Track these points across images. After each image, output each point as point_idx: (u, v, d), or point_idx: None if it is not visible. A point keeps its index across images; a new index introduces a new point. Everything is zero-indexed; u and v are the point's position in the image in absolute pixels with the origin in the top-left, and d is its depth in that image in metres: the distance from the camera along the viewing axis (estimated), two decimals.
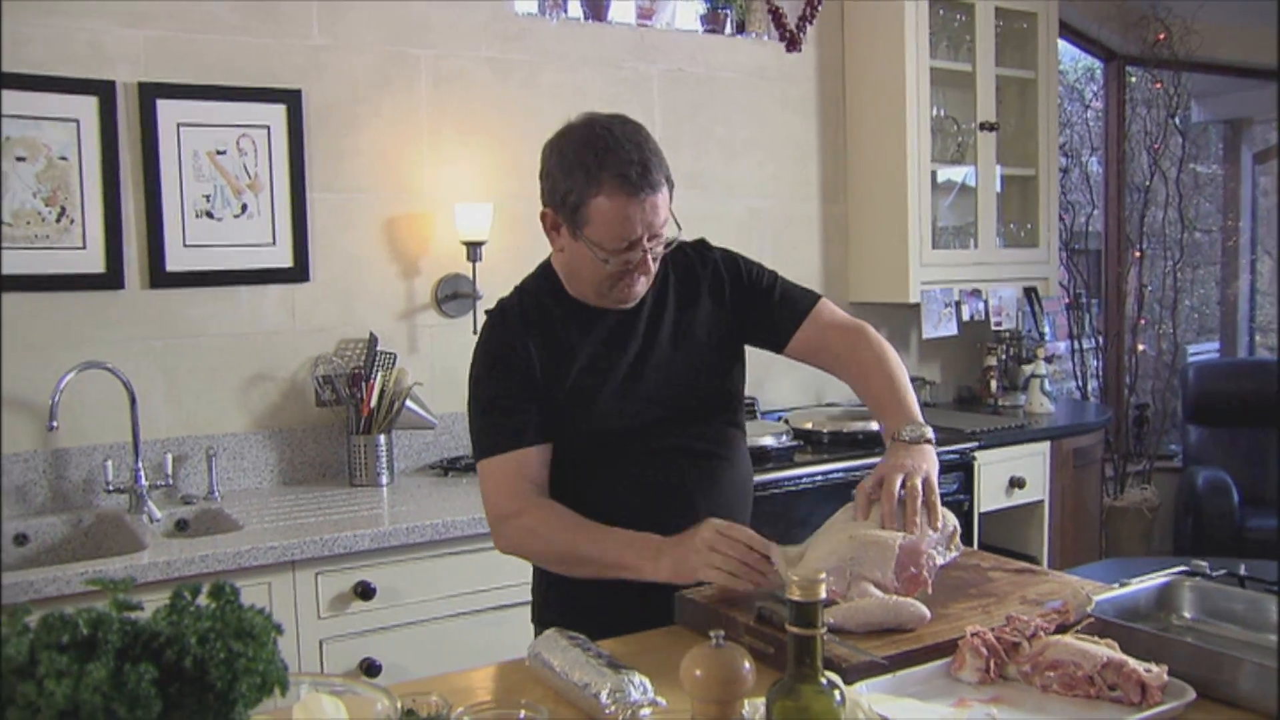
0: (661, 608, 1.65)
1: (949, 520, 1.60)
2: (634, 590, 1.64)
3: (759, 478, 2.63)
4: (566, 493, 1.74)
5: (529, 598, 1.92)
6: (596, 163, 1.60)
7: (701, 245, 1.89)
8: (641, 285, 1.72)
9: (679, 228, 1.72)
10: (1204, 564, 1.57)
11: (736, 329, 1.85)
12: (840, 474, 3.08)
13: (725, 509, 1.74)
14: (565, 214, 1.66)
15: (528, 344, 1.73)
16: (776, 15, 2.84)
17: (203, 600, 0.93)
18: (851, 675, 1.29)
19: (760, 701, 1.09)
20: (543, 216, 1.72)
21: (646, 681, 1.27)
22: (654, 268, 1.71)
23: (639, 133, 1.66)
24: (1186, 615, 1.51)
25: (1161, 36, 4.70)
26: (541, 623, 1.84)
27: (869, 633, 1.45)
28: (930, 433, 1.69)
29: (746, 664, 1.11)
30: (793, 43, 2.91)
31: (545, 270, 1.83)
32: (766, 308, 1.85)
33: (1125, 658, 1.26)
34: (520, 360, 1.72)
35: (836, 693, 1.02)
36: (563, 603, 1.80)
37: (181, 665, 0.86)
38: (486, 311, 1.82)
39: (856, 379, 1.84)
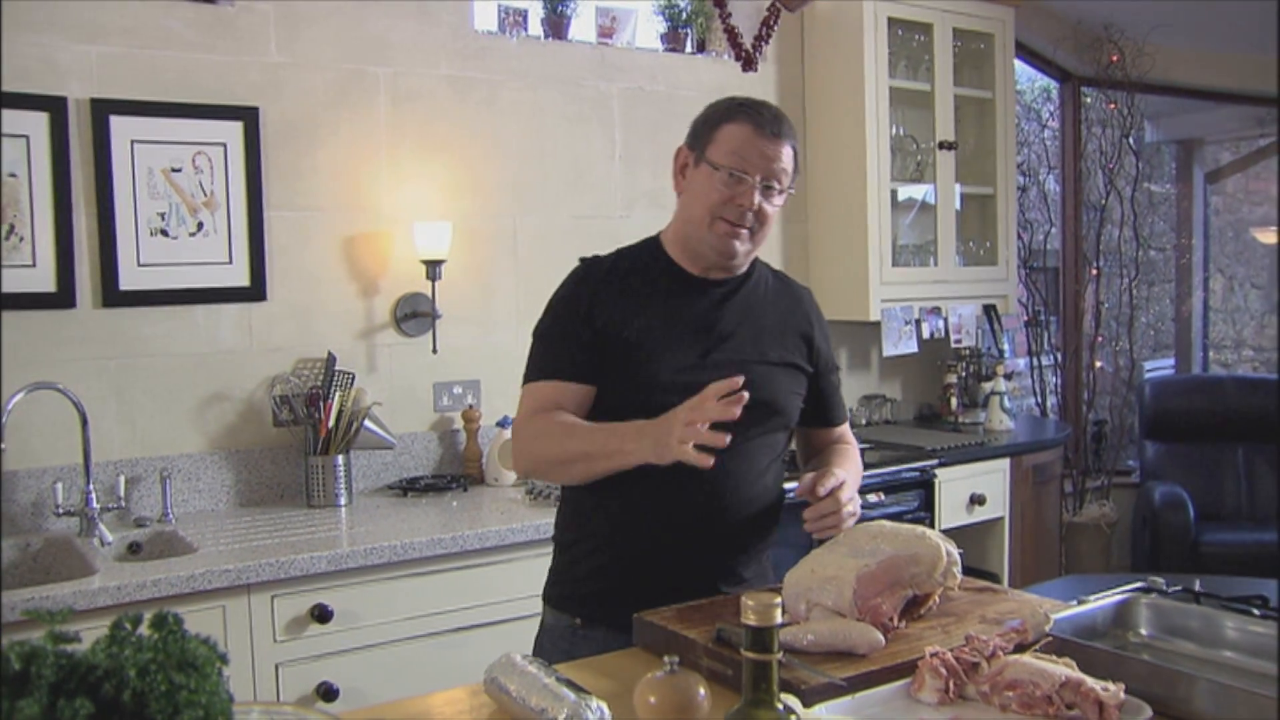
0: (669, 593, 1.68)
1: (951, 551, 1.60)
2: (645, 576, 1.73)
3: None
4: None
5: (487, 619, 1.90)
6: (738, 105, 1.81)
7: (810, 293, 2.04)
8: (743, 244, 1.80)
9: (792, 190, 1.83)
10: (1160, 580, 1.58)
11: (804, 372, 1.92)
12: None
13: (740, 522, 1.80)
14: (696, 144, 1.81)
15: (601, 291, 1.80)
16: (732, 35, 2.85)
17: (144, 630, 0.90)
18: (810, 697, 1.28)
19: None
20: (676, 154, 1.86)
21: (604, 706, 1.25)
22: (762, 227, 1.80)
23: (783, 113, 1.83)
24: (1143, 632, 1.52)
25: (1115, 58, 4.78)
26: (547, 600, 1.89)
27: (828, 654, 1.44)
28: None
29: (701, 690, 1.10)
30: (748, 63, 2.92)
31: (650, 241, 1.91)
32: (816, 391, 1.96)
33: (1083, 676, 1.26)
34: (586, 303, 1.79)
35: (792, 718, 1.02)
36: (568, 585, 1.85)
37: (120, 700, 0.83)
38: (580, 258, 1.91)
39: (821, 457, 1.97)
